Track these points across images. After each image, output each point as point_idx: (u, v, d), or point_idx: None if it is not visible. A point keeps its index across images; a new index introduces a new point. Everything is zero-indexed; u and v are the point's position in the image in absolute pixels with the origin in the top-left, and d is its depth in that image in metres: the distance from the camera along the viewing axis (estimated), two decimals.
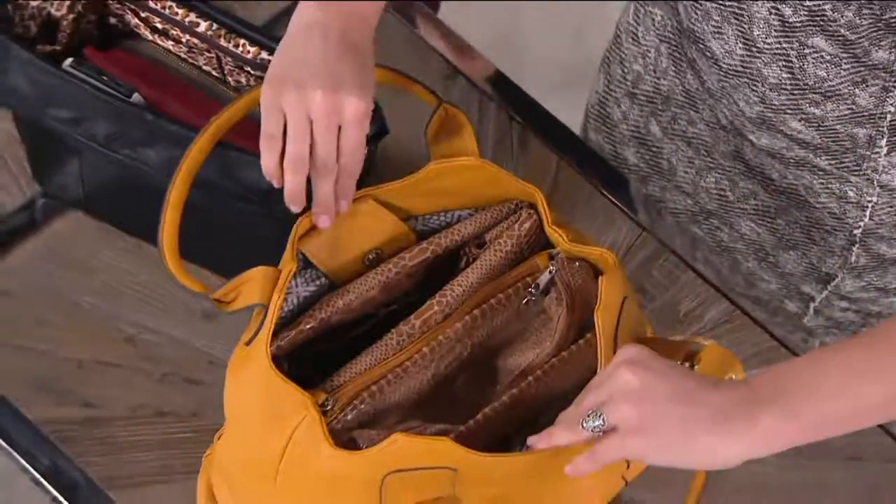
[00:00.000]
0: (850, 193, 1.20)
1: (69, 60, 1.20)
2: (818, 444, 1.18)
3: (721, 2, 1.11)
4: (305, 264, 1.07)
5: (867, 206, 1.20)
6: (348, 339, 1.08)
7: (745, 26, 1.10)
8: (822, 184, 1.21)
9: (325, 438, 0.97)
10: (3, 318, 1.25)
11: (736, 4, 1.10)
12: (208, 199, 1.11)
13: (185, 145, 1.13)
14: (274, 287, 1.01)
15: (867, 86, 1.09)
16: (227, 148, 1.14)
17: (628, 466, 1.11)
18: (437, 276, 1.10)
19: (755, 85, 1.14)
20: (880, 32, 1.04)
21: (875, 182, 1.17)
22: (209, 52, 1.24)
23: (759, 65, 1.12)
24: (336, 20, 1.03)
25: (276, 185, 1.03)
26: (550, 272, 1.08)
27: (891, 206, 1.19)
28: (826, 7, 1.04)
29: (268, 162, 1.02)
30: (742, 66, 1.13)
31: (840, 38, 1.06)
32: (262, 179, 1.10)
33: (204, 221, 1.12)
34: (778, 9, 1.07)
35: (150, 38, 1.26)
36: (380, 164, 1.20)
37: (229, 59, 1.24)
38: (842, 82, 1.09)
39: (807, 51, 1.08)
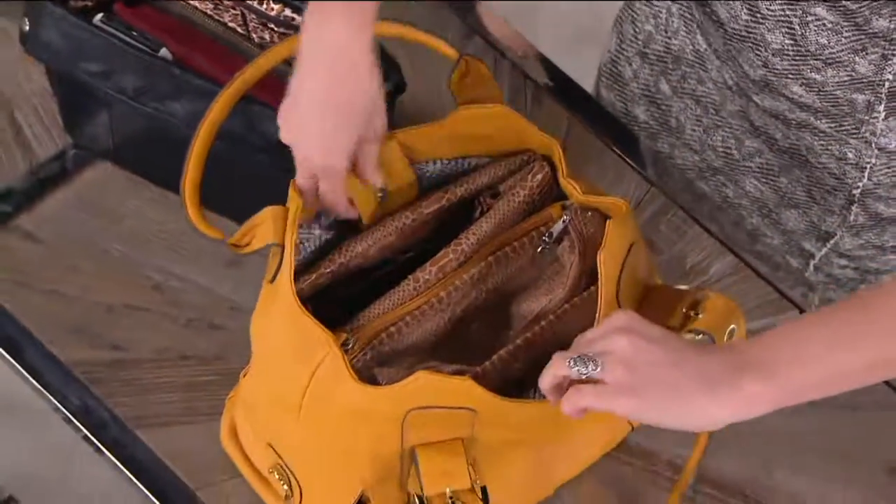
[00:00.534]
0: (850, 155, 1.21)
1: (99, 16, 1.22)
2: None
3: None
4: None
5: (866, 168, 1.21)
6: (367, 284, 1.10)
7: None
8: (822, 145, 1.22)
9: (348, 373, 0.99)
10: (36, 265, 1.27)
11: None
12: (231, 151, 1.13)
13: (211, 99, 1.15)
14: (285, 224, 1.04)
15: (867, 53, 1.09)
16: (251, 102, 1.16)
17: None
18: (453, 225, 1.12)
19: (758, 50, 1.15)
20: (881, 2, 1.05)
21: (873, 145, 1.18)
22: (234, 8, 1.25)
23: (762, 30, 1.12)
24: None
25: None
26: (564, 221, 1.10)
27: (888, 168, 1.20)
28: None
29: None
30: (746, 31, 1.14)
31: (841, 8, 1.07)
32: (274, 128, 1.12)
33: (227, 172, 1.14)
34: None
35: None
36: (398, 120, 1.21)
37: (254, 15, 1.25)
38: (842, 50, 1.10)
39: (809, 18, 1.09)
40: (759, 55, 1.15)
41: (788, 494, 1.19)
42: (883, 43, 1.08)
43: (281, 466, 1.09)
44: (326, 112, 1.03)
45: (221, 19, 1.27)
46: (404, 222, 1.10)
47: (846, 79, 1.12)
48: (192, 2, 1.27)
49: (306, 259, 1.08)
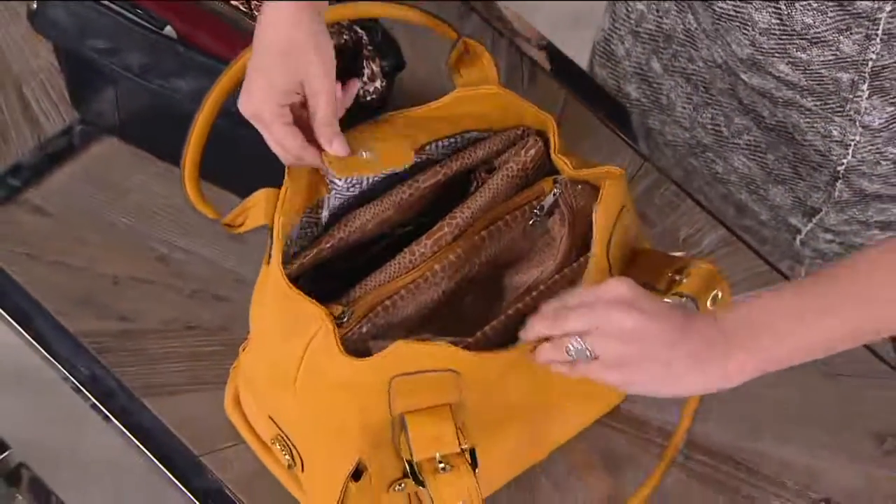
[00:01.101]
0: (835, 132, 1.21)
1: None
2: (805, 362, 1.24)
3: None
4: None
5: (850, 145, 1.22)
6: (365, 258, 1.11)
7: None
8: (808, 123, 1.22)
9: (336, 347, 1.01)
10: (44, 237, 1.28)
11: None
12: (232, 127, 1.13)
13: (215, 76, 1.15)
14: (278, 205, 1.05)
15: (851, 33, 1.09)
16: None
17: None
18: (449, 198, 1.13)
19: (746, 29, 1.15)
20: None
21: (857, 123, 1.19)
22: None
23: (749, 10, 1.13)
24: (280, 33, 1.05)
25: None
26: (554, 195, 1.11)
27: (872, 145, 1.21)
28: None
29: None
30: (734, 11, 1.15)
31: None
32: None
33: (229, 148, 1.15)
34: None
35: None
36: (398, 98, 1.23)
37: None
38: (827, 29, 1.10)
39: None
40: (746, 34, 1.16)
41: (777, 460, 1.21)
42: (866, 23, 1.08)
43: (282, 438, 1.11)
44: (259, 58, 1.05)
45: None
46: (402, 196, 1.11)
47: (831, 58, 1.13)
48: None
49: (311, 235, 1.10)
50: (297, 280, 1.06)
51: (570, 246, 1.11)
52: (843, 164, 1.25)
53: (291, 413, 1.08)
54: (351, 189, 1.11)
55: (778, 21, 1.12)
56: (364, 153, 1.10)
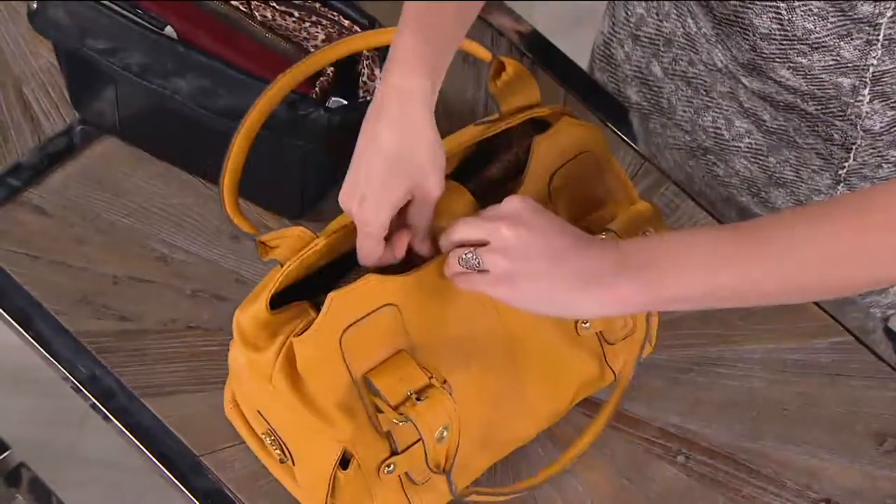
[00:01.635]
0: (836, 136, 1.22)
1: None
2: (804, 362, 1.24)
3: None
4: None
5: (851, 149, 1.22)
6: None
7: None
8: (809, 126, 1.23)
9: (299, 333, 1.02)
10: (45, 237, 1.28)
11: None
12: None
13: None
14: (299, 252, 1.04)
15: (852, 39, 1.10)
16: (258, 81, 1.17)
17: (604, 351, 1.17)
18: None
19: (747, 34, 1.16)
20: None
21: (859, 127, 1.19)
22: None
23: (750, 15, 1.13)
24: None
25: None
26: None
27: (873, 149, 1.21)
28: None
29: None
30: (735, 16, 1.15)
31: None
32: (284, 110, 1.13)
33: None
34: None
35: None
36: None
37: None
38: (828, 35, 1.11)
39: (795, 3, 1.10)
40: (747, 39, 1.16)
41: (777, 460, 1.21)
42: (867, 28, 1.09)
43: (271, 432, 1.11)
44: (374, 159, 1.01)
45: None
46: None
47: (832, 63, 1.13)
48: None
49: None
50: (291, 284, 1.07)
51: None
52: (844, 167, 1.25)
53: (274, 408, 1.09)
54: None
55: (779, 26, 1.13)
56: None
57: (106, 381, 1.23)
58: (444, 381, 1.05)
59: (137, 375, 1.23)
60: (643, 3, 1.33)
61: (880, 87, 1.14)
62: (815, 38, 1.12)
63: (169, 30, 1.23)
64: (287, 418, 1.09)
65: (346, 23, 1.26)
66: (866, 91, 1.15)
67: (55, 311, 1.25)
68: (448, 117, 1.14)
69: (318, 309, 1.04)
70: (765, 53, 1.16)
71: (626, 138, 1.37)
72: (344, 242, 1.07)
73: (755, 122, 1.29)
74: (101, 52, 1.22)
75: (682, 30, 1.29)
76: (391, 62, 1.00)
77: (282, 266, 1.04)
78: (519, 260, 0.97)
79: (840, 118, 1.19)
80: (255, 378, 1.07)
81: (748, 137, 1.31)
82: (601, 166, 1.13)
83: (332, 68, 1.24)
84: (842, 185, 1.27)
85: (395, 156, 1.00)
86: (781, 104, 1.22)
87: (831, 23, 1.10)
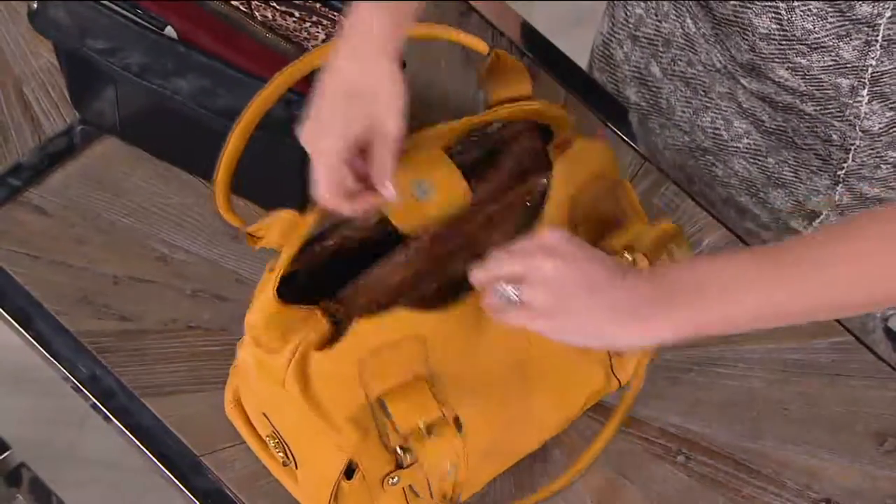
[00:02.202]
0: (835, 137, 1.22)
1: None
2: (804, 362, 1.24)
3: None
4: None
5: (850, 149, 1.22)
6: (362, 257, 1.10)
7: None
8: (808, 127, 1.23)
9: (317, 346, 1.02)
10: (45, 237, 1.28)
11: None
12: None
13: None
14: (293, 234, 1.05)
15: (851, 39, 1.10)
16: (258, 81, 1.17)
17: (611, 361, 1.17)
18: None
19: (746, 34, 1.16)
20: None
21: (857, 127, 1.19)
22: None
23: (750, 15, 1.13)
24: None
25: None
26: (546, 181, 1.12)
27: (872, 149, 1.21)
28: None
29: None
30: (734, 16, 1.15)
31: None
32: (281, 109, 1.13)
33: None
34: None
35: None
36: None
37: None
38: (827, 35, 1.11)
39: (795, 4, 1.10)
40: (746, 39, 1.16)
41: (777, 460, 1.22)
42: (866, 29, 1.09)
43: (276, 435, 1.11)
44: (331, 92, 1.03)
45: None
46: None
47: (831, 63, 1.13)
48: None
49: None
50: (294, 275, 1.07)
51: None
52: (843, 168, 1.25)
53: (282, 412, 1.09)
54: None
55: (778, 26, 1.13)
56: (418, 187, 1.09)
57: (106, 381, 1.23)
58: (456, 418, 1.05)
59: (137, 375, 1.23)
60: (642, 4, 1.33)
61: (879, 88, 1.14)
62: (815, 38, 1.12)
63: (169, 30, 1.23)
64: (294, 423, 1.09)
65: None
66: (865, 92, 1.15)
67: (55, 311, 1.25)
68: (448, 117, 1.13)
69: (329, 315, 1.03)
70: (764, 53, 1.16)
71: (625, 138, 1.37)
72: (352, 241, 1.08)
73: (754, 122, 1.29)
74: (101, 52, 1.22)
75: (680, 30, 1.29)
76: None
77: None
78: (557, 293, 0.97)
79: (839, 119, 1.19)
80: (264, 381, 1.07)
81: (747, 138, 1.32)
82: (614, 186, 1.13)
83: None
84: (840, 185, 1.27)
85: (354, 88, 1.01)
86: (780, 105, 1.22)
87: (830, 23, 1.10)
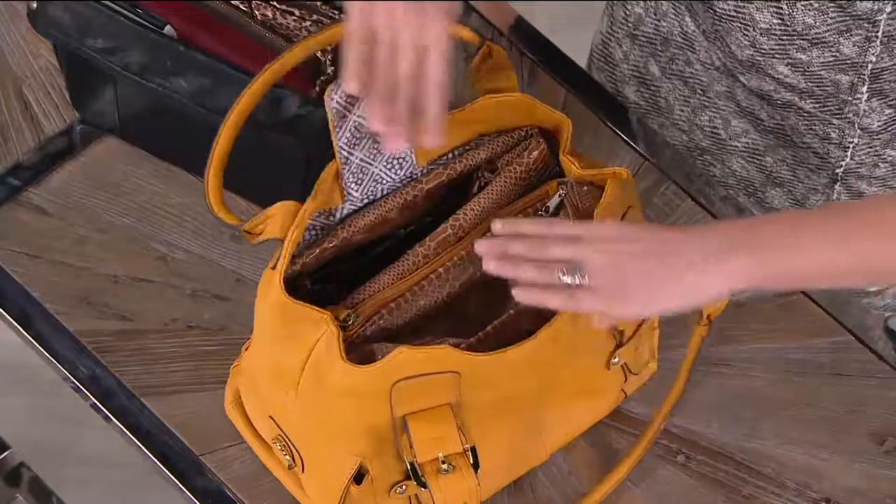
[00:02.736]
0: (833, 135, 1.22)
1: None
2: (804, 362, 1.24)
3: None
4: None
5: (848, 147, 1.22)
6: (368, 260, 1.12)
7: None
8: (806, 125, 1.23)
9: (339, 354, 1.01)
10: (45, 236, 1.28)
11: None
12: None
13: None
14: (293, 222, 1.05)
15: (851, 35, 1.10)
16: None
17: (626, 379, 1.17)
18: (453, 199, 1.14)
19: (746, 30, 1.16)
20: None
21: (856, 125, 1.20)
22: None
23: (751, 10, 1.14)
24: None
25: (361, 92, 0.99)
26: (560, 195, 1.12)
27: (870, 148, 1.22)
28: None
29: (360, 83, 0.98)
30: (735, 11, 1.16)
31: None
32: (289, 108, 1.13)
33: (234, 150, 1.12)
34: None
35: None
36: None
37: None
38: (828, 30, 1.11)
39: None
40: (746, 35, 1.16)
41: (777, 460, 1.22)
42: (867, 25, 1.09)
43: (283, 438, 1.11)
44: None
45: None
46: (405, 198, 1.12)
47: (831, 59, 1.14)
48: None
49: (310, 239, 1.10)
50: (299, 278, 1.07)
51: None
52: (841, 166, 1.25)
53: (293, 415, 1.09)
54: (365, 200, 1.11)
55: (779, 21, 1.13)
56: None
57: (106, 381, 1.23)
58: (473, 448, 1.05)
59: (137, 375, 1.23)
60: (641, 3, 1.34)
61: (878, 85, 1.14)
62: (815, 33, 1.12)
63: (169, 29, 1.23)
64: (305, 428, 1.09)
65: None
66: (864, 89, 1.16)
67: (55, 311, 1.25)
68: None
69: (339, 323, 1.03)
70: (764, 49, 1.16)
71: (626, 138, 1.37)
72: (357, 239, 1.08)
73: (752, 121, 1.29)
74: (101, 52, 1.22)
75: (679, 29, 1.30)
76: None
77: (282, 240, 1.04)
78: (624, 242, 0.95)
79: (838, 116, 1.20)
80: (275, 384, 1.07)
81: (745, 137, 1.32)
82: (639, 216, 1.13)
83: (332, 67, 1.24)
84: (838, 184, 1.28)
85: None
86: (779, 103, 1.22)
87: (831, 18, 1.10)
